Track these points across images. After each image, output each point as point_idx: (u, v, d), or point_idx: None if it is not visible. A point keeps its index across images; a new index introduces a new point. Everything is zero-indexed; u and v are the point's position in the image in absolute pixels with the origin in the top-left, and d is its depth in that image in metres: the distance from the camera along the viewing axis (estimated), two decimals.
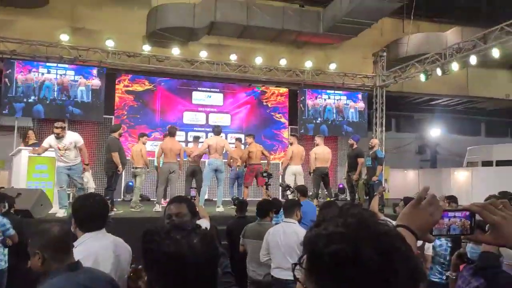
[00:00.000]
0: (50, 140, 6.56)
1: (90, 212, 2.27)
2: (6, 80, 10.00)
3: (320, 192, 9.06)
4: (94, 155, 10.43)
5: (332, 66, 12.38)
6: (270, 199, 6.15)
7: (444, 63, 10.28)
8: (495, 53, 9.08)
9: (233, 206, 7.75)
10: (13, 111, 10.05)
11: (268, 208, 4.66)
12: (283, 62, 11.92)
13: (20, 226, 4.74)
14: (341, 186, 12.35)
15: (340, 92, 12.72)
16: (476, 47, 9.53)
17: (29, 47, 10.18)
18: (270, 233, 4.11)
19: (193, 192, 4.40)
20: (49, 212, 6.53)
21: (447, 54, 10.25)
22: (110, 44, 10.60)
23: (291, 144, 8.94)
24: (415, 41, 12.31)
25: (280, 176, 9.76)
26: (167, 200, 6.40)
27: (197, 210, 2.95)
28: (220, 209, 7.85)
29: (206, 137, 10.75)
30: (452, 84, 13.28)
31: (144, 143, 8.43)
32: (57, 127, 6.50)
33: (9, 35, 10.11)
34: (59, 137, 6.49)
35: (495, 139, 16.03)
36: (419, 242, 1.01)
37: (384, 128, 12.88)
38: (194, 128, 11.88)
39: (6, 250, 4.54)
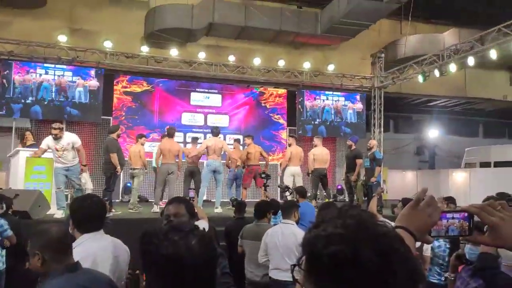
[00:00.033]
0: (48, 141, 6.55)
1: (88, 213, 2.27)
2: (4, 81, 9.97)
3: (318, 193, 9.06)
4: (92, 156, 10.41)
5: (330, 67, 12.39)
6: (268, 200, 6.15)
7: (441, 64, 10.31)
8: (493, 54, 9.11)
9: (231, 207, 7.75)
10: (10, 112, 10.03)
11: (265, 209, 4.66)
12: (281, 63, 11.93)
13: (18, 227, 4.73)
14: (339, 187, 12.36)
15: (338, 93, 12.74)
16: (474, 48, 9.56)
17: (27, 48, 10.16)
18: (268, 234, 4.10)
19: (191, 193, 4.41)
20: (47, 213, 6.52)
21: (445, 55, 10.27)
22: (108, 45, 10.58)
23: (289, 145, 8.95)
24: (413, 42, 12.35)
25: (279, 177, 9.76)
26: (165, 201, 6.39)
27: (196, 211, 2.95)
28: (218, 210, 7.84)
29: (205, 138, 10.75)
30: (450, 85, 13.32)
31: (142, 144, 8.42)
32: (54, 128, 6.49)
33: (7, 35, 10.09)
34: (56, 138, 6.48)
35: (493, 140, 16.08)
36: (418, 243, 1.01)
37: (382, 129, 12.90)
38: (193, 129, 11.87)
39: (4, 251, 4.53)
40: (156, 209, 7.58)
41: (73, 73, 10.60)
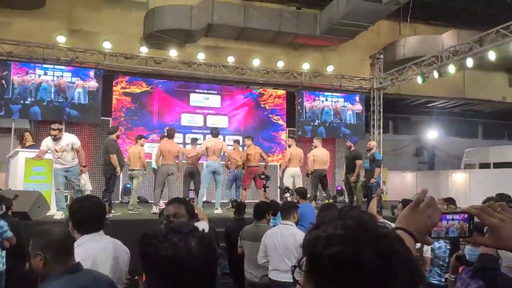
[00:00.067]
0: (47, 142, 6.54)
1: (87, 214, 2.27)
2: (3, 81, 9.97)
3: (318, 194, 9.06)
4: (91, 157, 10.41)
5: (330, 68, 12.41)
6: (268, 201, 6.15)
7: (440, 66, 10.32)
8: (491, 55, 9.13)
9: (231, 208, 7.75)
10: (9, 113, 10.02)
11: (264, 210, 4.66)
12: (280, 64, 11.94)
13: (17, 228, 4.72)
14: (339, 188, 12.36)
15: (338, 94, 12.75)
16: (473, 49, 9.58)
17: (26, 48, 10.16)
18: (267, 235, 4.10)
19: (191, 194, 4.41)
20: (47, 214, 6.51)
21: (444, 56, 10.29)
22: (107, 46, 10.58)
23: (289, 146, 8.95)
24: (412, 44, 12.38)
25: (279, 178, 9.76)
26: (164, 202, 6.39)
27: (196, 212, 2.94)
28: (218, 211, 7.85)
29: (204, 139, 10.74)
30: (449, 87, 13.35)
31: (142, 145, 8.41)
32: (53, 129, 6.48)
33: (6, 36, 10.09)
34: (56, 139, 6.47)
35: (492, 141, 16.09)
36: (418, 245, 1.01)
37: (381, 130, 12.91)
38: (192, 130, 11.87)
39: (4, 253, 4.52)
40: (155, 209, 7.58)
41: (72, 74, 10.59)
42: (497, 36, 8.93)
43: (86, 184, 7.58)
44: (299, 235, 3.91)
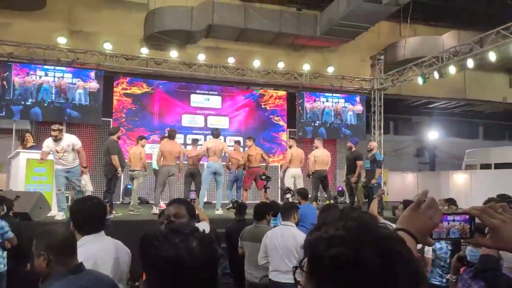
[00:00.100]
0: (48, 143, 6.55)
1: (88, 215, 2.27)
2: (4, 82, 9.98)
3: (319, 195, 9.06)
4: (92, 158, 10.41)
5: (330, 69, 12.40)
6: (268, 202, 6.16)
7: (441, 67, 10.32)
8: (492, 56, 9.13)
9: (232, 209, 7.75)
10: (10, 113, 10.03)
11: (264, 211, 4.66)
12: (281, 65, 11.94)
13: (18, 229, 4.73)
14: (340, 189, 12.36)
15: (338, 95, 12.75)
16: (473, 50, 9.58)
17: (27, 49, 10.17)
18: (268, 236, 4.11)
19: (192, 195, 4.41)
20: (48, 215, 6.52)
21: (444, 57, 10.29)
22: (108, 47, 10.59)
23: (290, 147, 8.95)
24: (412, 45, 12.38)
25: (280, 179, 9.76)
26: (165, 202, 6.39)
27: (197, 213, 2.94)
28: (219, 212, 7.85)
29: (205, 140, 10.75)
30: (450, 87, 13.34)
31: (143, 146, 8.42)
32: (54, 130, 6.49)
33: (7, 37, 10.10)
34: (56, 140, 6.48)
35: (493, 142, 16.09)
36: (419, 245, 1.01)
37: (382, 131, 12.90)
38: (193, 131, 11.87)
39: (5, 253, 4.53)
40: (155, 210, 7.58)
41: (73, 75, 10.60)
42: (498, 37, 8.93)
43: (87, 185, 7.59)
44: (300, 236, 3.91)
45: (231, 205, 8.35)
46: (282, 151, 12.29)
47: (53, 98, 10.38)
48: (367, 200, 8.28)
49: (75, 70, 10.61)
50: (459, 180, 13.08)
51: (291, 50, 12.54)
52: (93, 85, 10.68)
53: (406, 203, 4.15)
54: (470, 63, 9.70)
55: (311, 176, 8.84)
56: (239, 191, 8.82)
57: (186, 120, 12.01)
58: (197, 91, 12.20)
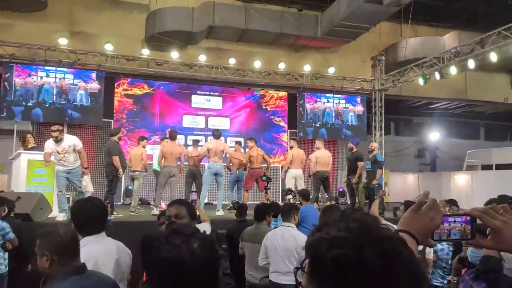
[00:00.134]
0: (49, 144, 6.55)
1: (89, 216, 2.28)
2: (5, 83, 10.00)
3: (320, 195, 9.05)
4: (93, 159, 10.42)
5: (331, 70, 12.40)
6: (269, 202, 6.15)
7: (442, 67, 10.31)
8: (493, 57, 9.12)
9: (233, 210, 7.74)
10: (12, 114, 10.05)
11: (265, 212, 4.67)
12: (281, 66, 11.94)
13: (20, 230, 4.74)
14: (341, 189, 12.35)
15: (339, 95, 12.75)
16: (474, 51, 9.57)
17: (28, 50, 10.19)
18: (268, 237, 4.11)
19: (194, 196, 4.41)
20: (49, 216, 6.51)
21: (445, 58, 10.28)
22: (109, 48, 10.60)
23: (291, 147, 8.95)
24: (413, 45, 12.37)
25: (281, 179, 9.75)
26: (166, 203, 6.39)
27: (198, 214, 2.94)
28: (220, 212, 7.85)
29: (206, 140, 10.75)
30: (451, 88, 13.33)
31: (144, 147, 8.43)
32: (54, 131, 6.49)
33: (8, 39, 10.12)
34: (57, 141, 6.48)
35: (494, 142, 16.06)
36: (420, 246, 1.01)
37: (383, 132, 12.90)
38: (194, 132, 11.87)
39: (6, 254, 4.53)
40: (155, 211, 7.58)
41: (74, 76, 10.62)
42: (499, 38, 8.92)
43: (88, 185, 7.58)
44: (300, 237, 3.91)
45: (232, 206, 8.35)
46: (283, 152, 12.29)
47: (54, 99, 10.40)
48: (368, 201, 8.27)
49: (76, 71, 10.63)
50: (460, 181, 13.06)
51: (292, 50, 12.54)
52: (94, 86, 10.70)
53: (408, 204, 4.16)
54: (471, 63, 9.69)
55: (312, 177, 8.84)
56: (240, 192, 8.82)
57: (187, 121, 12.02)
58: (198, 92, 12.21)
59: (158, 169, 8.40)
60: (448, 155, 16.54)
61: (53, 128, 6.58)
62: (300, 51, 12.59)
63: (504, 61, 10.09)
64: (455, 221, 1.02)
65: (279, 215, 4.56)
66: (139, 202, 8.38)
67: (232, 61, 11.50)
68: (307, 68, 12.16)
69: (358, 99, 12.91)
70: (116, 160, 7.26)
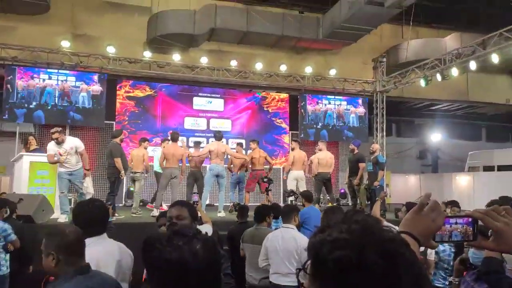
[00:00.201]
0: (51, 146, 6.57)
1: (90, 218, 2.28)
2: (8, 86, 10.03)
3: (322, 197, 9.04)
4: (95, 161, 10.43)
5: (332, 72, 12.41)
6: (269, 204, 6.15)
7: (443, 69, 10.30)
8: (495, 58, 9.10)
9: (234, 211, 7.74)
10: (14, 117, 10.08)
11: (265, 213, 4.67)
12: (283, 68, 11.95)
13: (21, 232, 4.74)
14: (342, 191, 12.33)
15: (341, 97, 12.75)
16: (476, 52, 9.55)
17: (31, 53, 10.22)
18: (268, 238, 4.10)
19: (195, 197, 4.41)
20: (51, 217, 6.53)
21: (447, 59, 10.27)
22: (111, 50, 10.64)
23: (292, 149, 8.95)
24: (415, 47, 12.36)
25: (282, 181, 9.75)
26: (167, 205, 6.39)
27: (200, 215, 2.94)
28: (221, 214, 7.85)
29: (207, 142, 10.75)
30: (452, 89, 13.31)
31: (145, 148, 8.44)
32: (53, 133, 6.51)
33: (11, 41, 10.16)
34: (59, 143, 6.50)
35: (496, 144, 16.03)
36: (422, 248, 1.01)
37: (384, 133, 12.89)
38: (195, 134, 11.89)
39: (8, 256, 4.54)
40: (155, 212, 7.58)
41: (76, 78, 10.65)
42: (500, 39, 8.91)
43: (88, 187, 7.61)
44: (300, 238, 3.91)
45: (233, 207, 8.35)
46: (285, 154, 12.28)
47: (56, 101, 10.42)
48: (369, 202, 8.26)
49: (79, 73, 10.66)
50: (462, 182, 13.04)
51: (294, 53, 12.55)
52: (96, 88, 10.73)
53: (409, 205, 4.15)
54: (472, 65, 9.68)
55: (314, 178, 8.84)
56: (241, 193, 8.82)
57: (189, 122, 12.03)
58: (200, 94, 12.22)
59: (160, 171, 8.41)
60: (449, 156, 16.52)
61: (52, 130, 6.60)
62: (302, 53, 12.60)
63: (505, 62, 10.08)
64: (456, 223, 1.02)
65: (280, 216, 4.56)
66: (141, 204, 8.38)
67: (233, 63, 11.51)
68: (308, 70, 12.17)
69: (360, 101, 12.91)
70: (118, 162, 7.28)
